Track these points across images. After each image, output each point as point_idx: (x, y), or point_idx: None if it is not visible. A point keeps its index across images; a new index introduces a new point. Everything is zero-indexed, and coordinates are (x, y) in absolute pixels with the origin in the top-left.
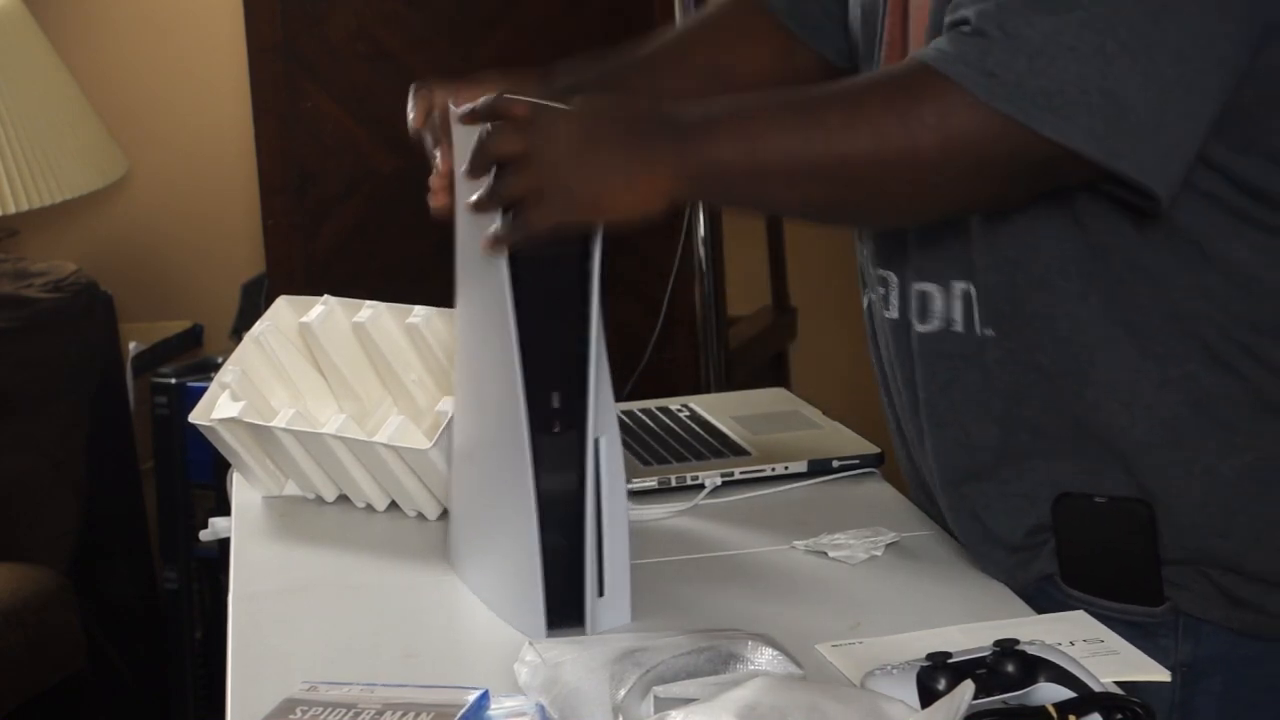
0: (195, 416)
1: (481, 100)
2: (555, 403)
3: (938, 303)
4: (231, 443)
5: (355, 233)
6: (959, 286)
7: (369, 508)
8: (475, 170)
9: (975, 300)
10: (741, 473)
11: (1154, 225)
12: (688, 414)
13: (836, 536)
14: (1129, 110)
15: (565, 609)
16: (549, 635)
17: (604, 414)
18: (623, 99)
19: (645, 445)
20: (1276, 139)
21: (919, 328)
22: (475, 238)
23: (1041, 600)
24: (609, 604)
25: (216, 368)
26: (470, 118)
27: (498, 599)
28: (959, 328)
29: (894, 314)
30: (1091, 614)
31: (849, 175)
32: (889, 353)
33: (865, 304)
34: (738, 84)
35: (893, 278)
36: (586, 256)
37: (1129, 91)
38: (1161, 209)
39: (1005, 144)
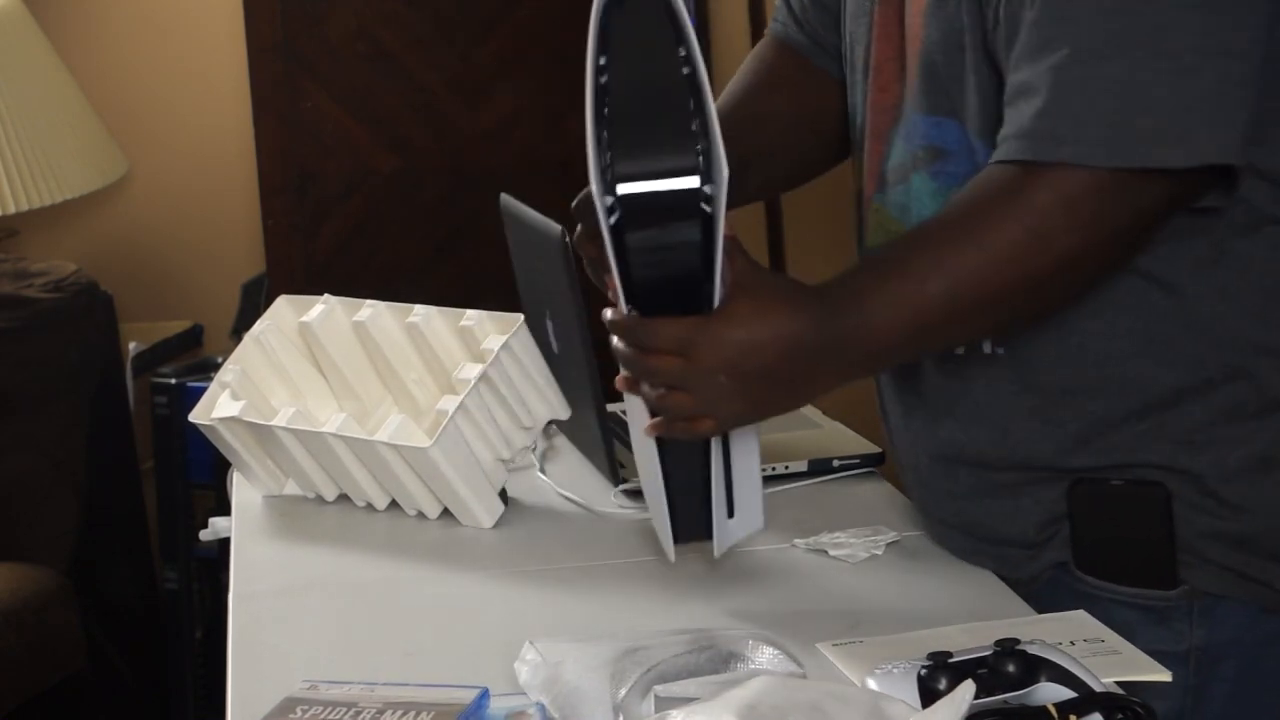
0: (195, 416)
1: (620, 327)
2: None
3: None
4: (232, 442)
5: (355, 233)
6: None
7: (369, 507)
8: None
9: None
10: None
11: (1164, 230)
12: None
13: (837, 536)
14: (1193, 109)
15: (693, 528)
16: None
17: None
18: (773, 312)
19: None
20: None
21: None
22: None
23: (1053, 589)
24: (739, 522)
25: (216, 368)
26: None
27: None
28: (963, 348)
29: None
30: (1105, 599)
31: (1005, 305)
32: (893, 378)
33: None
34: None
35: None
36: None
37: (1186, 94)
38: (1236, 187)
39: (1124, 196)
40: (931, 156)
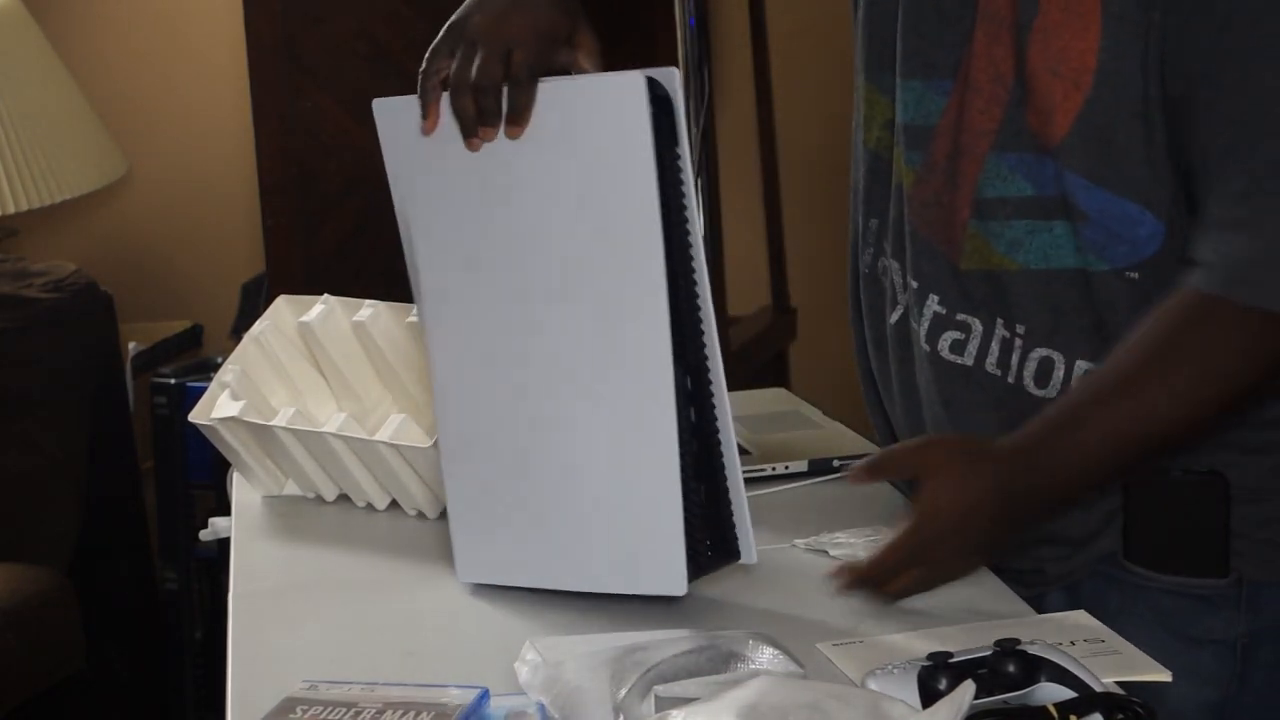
0: (195, 416)
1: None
2: None
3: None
4: (231, 442)
5: (355, 233)
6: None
7: (369, 507)
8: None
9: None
10: (742, 473)
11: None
12: None
13: (837, 536)
14: None
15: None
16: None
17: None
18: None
19: None
20: None
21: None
22: None
23: (1096, 582)
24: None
25: (216, 368)
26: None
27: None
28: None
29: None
30: (1154, 589)
31: (1190, 434)
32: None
33: (896, 315)
34: None
35: (975, 324)
36: None
37: None
38: None
39: None
40: (1068, 212)
